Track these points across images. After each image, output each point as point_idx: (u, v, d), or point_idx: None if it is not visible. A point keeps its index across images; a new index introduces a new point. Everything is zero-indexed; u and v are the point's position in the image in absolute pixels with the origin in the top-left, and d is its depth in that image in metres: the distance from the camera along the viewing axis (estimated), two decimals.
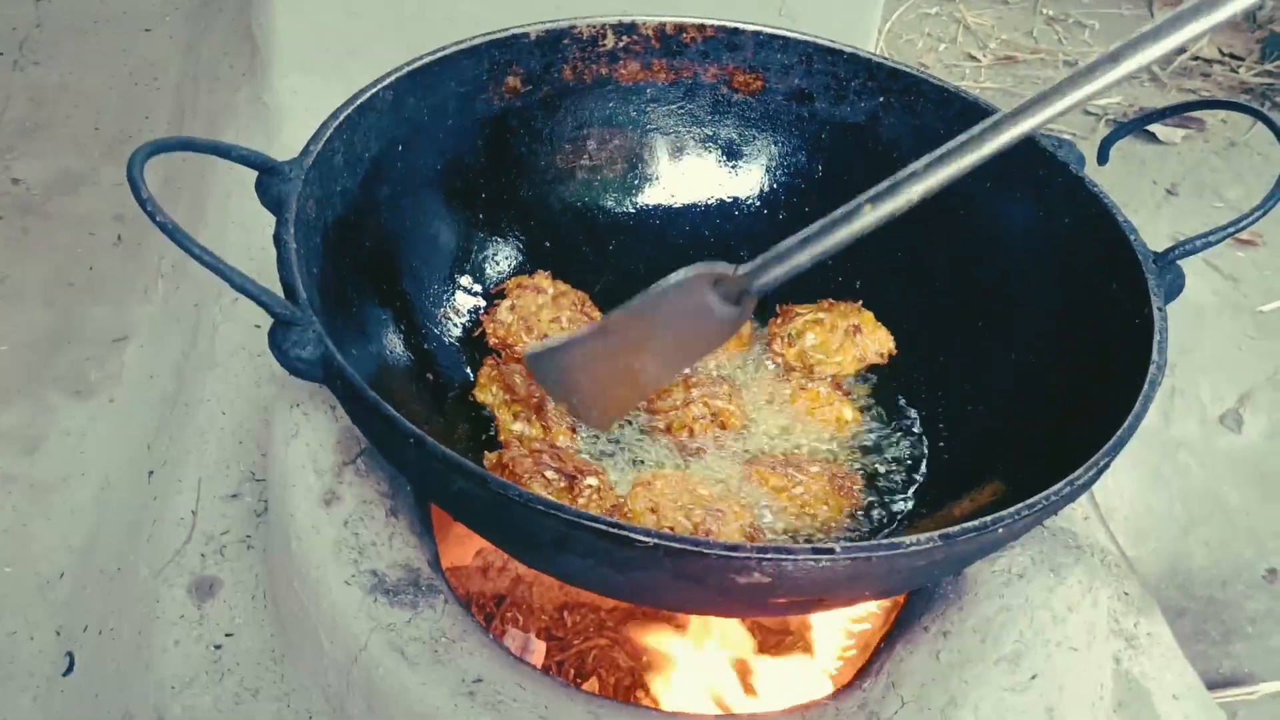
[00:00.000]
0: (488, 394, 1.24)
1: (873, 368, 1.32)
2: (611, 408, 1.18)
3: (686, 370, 1.25)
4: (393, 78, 1.20)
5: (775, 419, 1.25)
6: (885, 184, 1.00)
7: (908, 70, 1.36)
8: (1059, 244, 1.23)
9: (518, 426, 1.21)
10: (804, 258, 1.04)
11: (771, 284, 1.07)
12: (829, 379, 1.29)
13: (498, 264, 1.34)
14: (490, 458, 1.15)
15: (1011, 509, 0.90)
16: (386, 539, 1.06)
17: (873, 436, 1.26)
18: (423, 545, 1.08)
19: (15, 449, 1.59)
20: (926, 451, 1.24)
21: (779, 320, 1.34)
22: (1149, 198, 2.29)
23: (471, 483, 0.88)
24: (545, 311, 1.28)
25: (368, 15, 1.71)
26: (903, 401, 1.29)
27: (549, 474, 1.10)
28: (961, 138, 0.98)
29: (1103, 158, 1.30)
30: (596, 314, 1.31)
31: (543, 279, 1.31)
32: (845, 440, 1.24)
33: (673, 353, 1.15)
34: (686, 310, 1.10)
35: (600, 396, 1.16)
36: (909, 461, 1.23)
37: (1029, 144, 1.26)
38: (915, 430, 1.27)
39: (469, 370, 1.25)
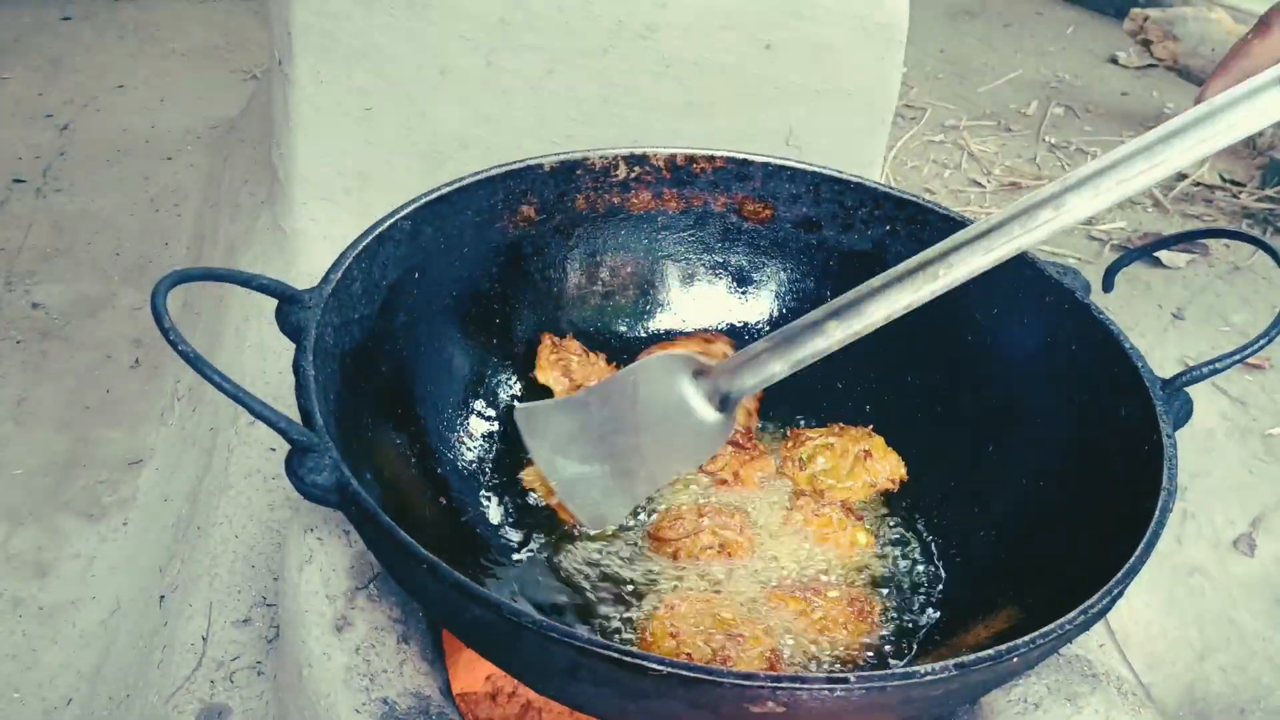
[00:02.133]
0: (549, 376, 1.31)
1: (884, 492, 1.32)
2: (604, 505, 1.21)
3: (683, 476, 1.27)
4: (411, 208, 1.23)
5: (789, 543, 1.25)
6: (848, 298, 1.10)
7: (913, 199, 1.38)
8: (1066, 369, 1.25)
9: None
10: (778, 366, 1.12)
11: (748, 389, 1.14)
12: (839, 504, 1.29)
13: (511, 388, 1.35)
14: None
15: (1026, 638, 0.90)
16: (398, 666, 1.05)
17: (886, 561, 1.25)
18: (434, 672, 1.07)
19: (26, 572, 1.59)
20: (944, 575, 1.24)
21: (789, 444, 1.35)
22: (1155, 321, 2.31)
23: (485, 610, 0.88)
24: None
25: (384, 144, 1.75)
26: (918, 525, 1.29)
27: None
28: (937, 250, 1.05)
29: (1108, 284, 1.32)
30: None
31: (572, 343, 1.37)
32: (860, 564, 1.24)
33: (658, 450, 1.18)
34: (666, 398, 1.15)
35: (590, 488, 1.19)
36: (924, 586, 1.23)
37: (1034, 270, 1.28)
38: (929, 555, 1.26)
39: (482, 495, 1.25)
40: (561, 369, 1.33)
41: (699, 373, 1.18)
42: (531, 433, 1.22)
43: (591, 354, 1.37)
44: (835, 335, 1.10)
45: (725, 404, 1.17)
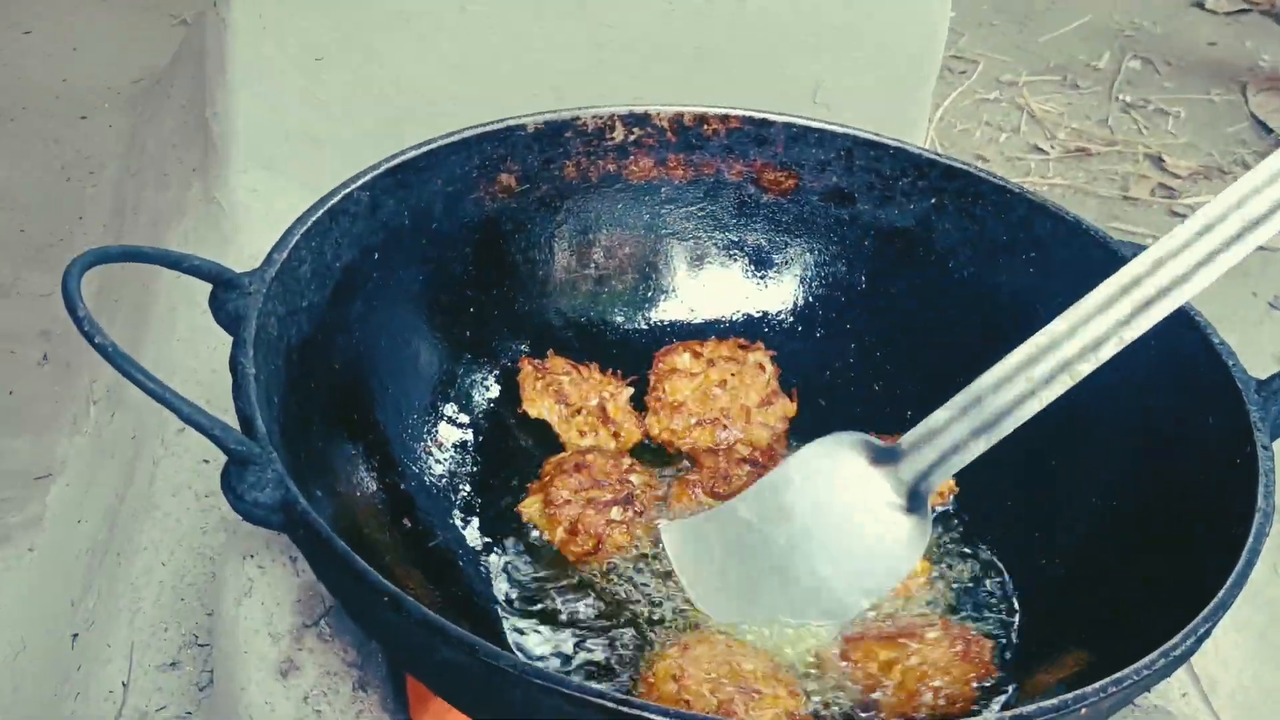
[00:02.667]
0: (540, 406, 1.31)
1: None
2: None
3: (865, 604, 1.19)
4: (369, 176, 1.23)
5: None
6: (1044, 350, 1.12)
7: (963, 167, 1.38)
8: (1143, 369, 1.24)
9: (586, 441, 1.30)
10: (977, 442, 1.13)
11: (940, 475, 1.15)
12: None
13: (487, 390, 1.35)
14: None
15: (1096, 685, 0.90)
16: (354, 718, 1.05)
17: (944, 592, 1.25)
18: None
19: None
20: (1000, 611, 1.24)
21: None
22: (1249, 313, 2.32)
23: (458, 651, 0.88)
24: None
25: (337, 101, 1.75)
26: (975, 548, 1.29)
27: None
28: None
29: None
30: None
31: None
32: (920, 599, 1.23)
33: (839, 575, 1.16)
34: (840, 503, 1.16)
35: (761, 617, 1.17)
36: (975, 627, 1.23)
37: (1104, 251, 1.28)
38: (983, 585, 1.26)
39: (453, 514, 1.26)
40: (553, 395, 1.34)
41: (874, 459, 1.17)
42: (682, 558, 1.21)
43: (583, 367, 1.37)
44: (1041, 389, 1.12)
45: (915, 500, 1.15)
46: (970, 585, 1.25)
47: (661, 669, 1.09)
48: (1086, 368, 1.11)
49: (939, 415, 1.15)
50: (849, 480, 1.17)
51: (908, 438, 1.16)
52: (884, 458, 1.17)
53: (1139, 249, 1.28)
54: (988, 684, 1.14)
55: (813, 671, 1.14)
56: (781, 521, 1.19)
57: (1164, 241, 1.11)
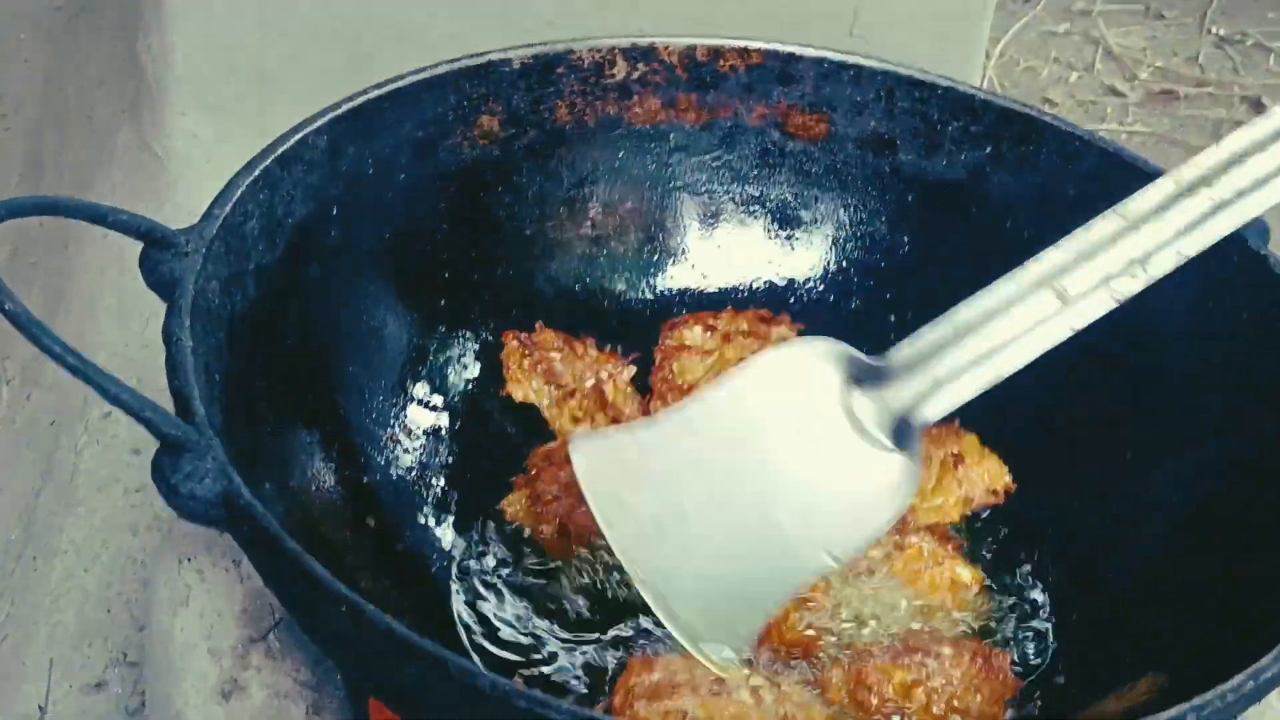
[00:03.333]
0: (527, 388, 1.32)
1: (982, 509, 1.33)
2: (724, 623, 1.09)
3: (832, 563, 1.12)
4: (327, 118, 1.23)
5: (867, 591, 1.25)
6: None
7: (1024, 110, 1.39)
8: (1236, 345, 1.25)
9: (581, 428, 1.31)
10: (985, 370, 1.08)
11: (939, 407, 1.09)
12: (922, 530, 1.30)
13: (465, 368, 1.36)
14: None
15: (1169, 712, 0.90)
16: None
17: (992, 608, 1.26)
18: None
19: None
20: (1061, 627, 1.24)
21: None
22: None
23: (428, 669, 0.88)
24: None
25: (291, 31, 1.75)
26: (1022, 556, 1.30)
27: None
28: None
29: None
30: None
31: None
32: (969, 612, 1.24)
33: (801, 522, 1.08)
34: (809, 427, 1.08)
35: (701, 592, 1.09)
36: (1033, 642, 1.23)
37: None
38: (1038, 601, 1.27)
39: (424, 511, 1.26)
40: (542, 375, 1.34)
41: (856, 379, 1.10)
42: (598, 494, 1.10)
43: (577, 343, 1.38)
44: (1073, 311, 1.06)
45: (903, 434, 1.09)
46: (1009, 600, 1.27)
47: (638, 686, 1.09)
48: (1132, 286, 1.08)
49: (937, 331, 1.10)
50: (821, 401, 1.09)
51: (897, 355, 1.11)
52: (868, 377, 1.10)
53: None
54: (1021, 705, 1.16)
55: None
56: (729, 449, 1.11)
57: (1244, 131, 1.08)
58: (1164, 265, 1.07)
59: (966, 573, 1.26)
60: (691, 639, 1.09)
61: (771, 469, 1.10)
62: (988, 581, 1.27)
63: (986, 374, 1.09)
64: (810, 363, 1.12)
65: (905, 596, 1.24)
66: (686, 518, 1.10)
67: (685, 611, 1.09)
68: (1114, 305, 1.08)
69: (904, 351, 1.11)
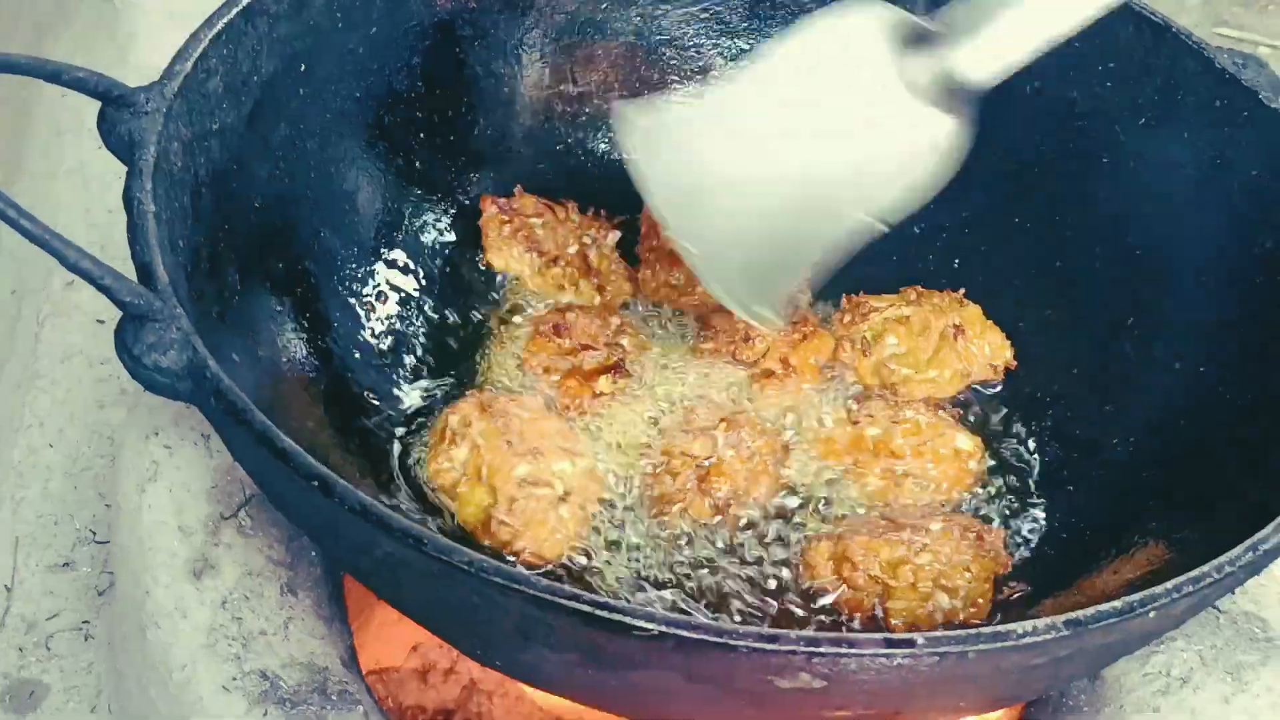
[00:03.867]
0: (507, 256, 1.33)
1: (980, 384, 1.34)
2: (763, 281, 1.16)
3: (876, 223, 1.17)
4: None
5: (863, 466, 1.26)
6: None
7: None
8: (1244, 206, 1.25)
9: (565, 297, 1.32)
10: (1040, 34, 1.07)
11: (997, 67, 1.08)
12: (919, 403, 1.30)
13: (441, 233, 1.36)
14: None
15: (1168, 584, 0.91)
16: (281, 626, 1.07)
17: (992, 481, 1.27)
18: (332, 635, 1.09)
19: None
20: (1061, 498, 1.25)
21: (847, 316, 1.36)
22: None
23: (403, 545, 0.89)
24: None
25: None
26: (1018, 431, 1.31)
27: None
28: None
29: None
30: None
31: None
32: (965, 488, 1.25)
33: (847, 176, 1.11)
34: (858, 82, 1.08)
35: (744, 251, 1.14)
36: (1023, 520, 1.25)
37: (1199, 60, 1.28)
38: (1040, 471, 1.28)
39: (399, 382, 1.27)
40: (523, 242, 1.34)
41: (911, 41, 1.09)
42: (647, 153, 1.15)
43: (558, 207, 1.37)
44: None
45: (954, 97, 1.09)
46: (1012, 472, 1.28)
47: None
48: None
49: None
50: (872, 61, 1.10)
51: (952, 15, 1.10)
52: (920, 40, 1.10)
53: (1240, 57, 1.28)
54: (1009, 582, 1.18)
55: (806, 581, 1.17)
56: (778, 112, 1.13)
57: None
58: None
59: (968, 442, 1.28)
60: (733, 297, 1.18)
61: (820, 128, 1.13)
62: (989, 459, 1.28)
63: (1038, 35, 1.09)
64: (862, 25, 1.11)
65: (902, 468, 1.25)
66: (733, 180, 1.14)
67: (727, 270, 1.17)
68: None
69: (958, 12, 1.10)
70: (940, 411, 1.29)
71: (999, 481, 1.28)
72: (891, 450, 1.25)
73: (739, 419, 1.24)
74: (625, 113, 1.17)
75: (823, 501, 1.23)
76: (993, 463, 1.29)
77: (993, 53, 1.09)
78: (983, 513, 1.25)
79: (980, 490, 1.27)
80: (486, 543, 1.14)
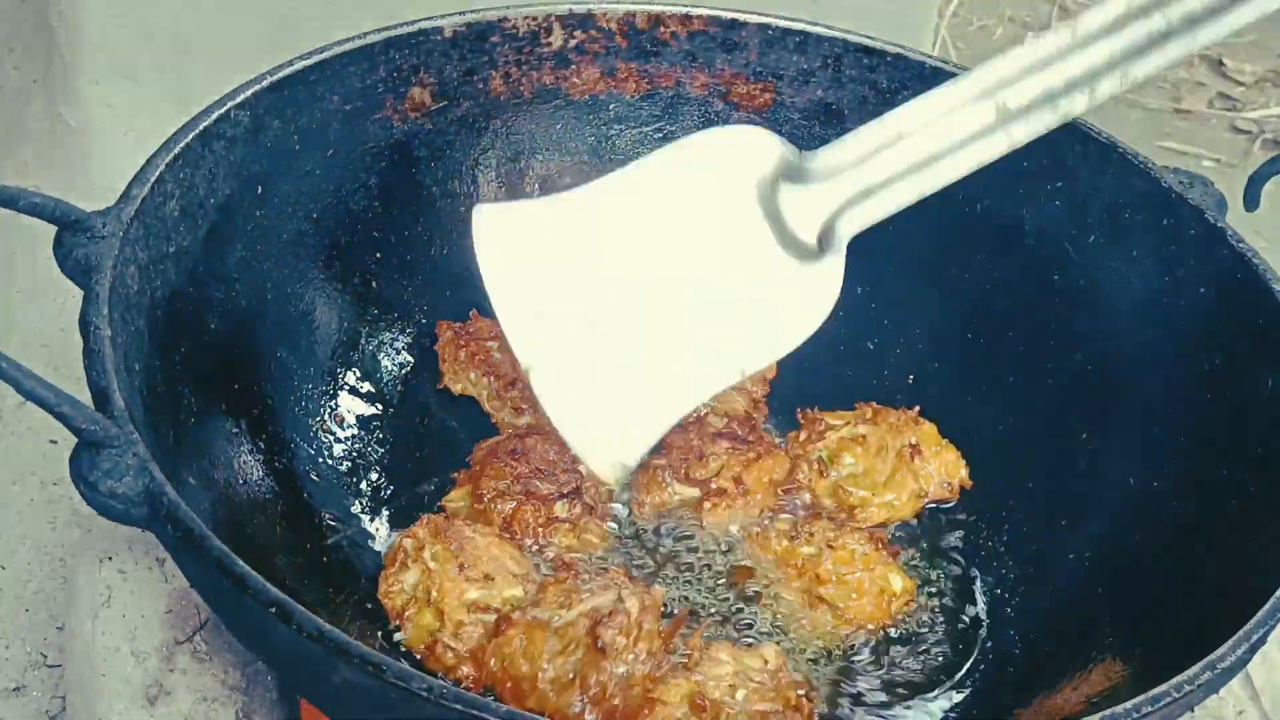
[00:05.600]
0: (464, 380, 1.33)
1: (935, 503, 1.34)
2: (619, 430, 1.10)
3: (737, 377, 1.14)
4: (251, 91, 1.23)
5: (779, 583, 1.25)
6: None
7: None
8: (1193, 322, 1.26)
9: (523, 420, 1.31)
10: (922, 180, 1.08)
11: (869, 214, 1.08)
12: (865, 533, 1.28)
13: (398, 354, 1.36)
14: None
15: (1128, 704, 0.91)
16: None
17: (928, 610, 1.27)
18: None
19: None
20: (1014, 618, 1.25)
21: (803, 435, 1.36)
22: None
23: (362, 672, 0.88)
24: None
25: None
26: (976, 550, 1.31)
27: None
28: None
29: (1252, 200, 1.33)
30: None
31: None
32: (878, 629, 1.24)
33: (713, 320, 1.07)
34: (731, 216, 1.06)
35: (598, 390, 1.09)
36: (984, 634, 1.25)
37: (1147, 180, 1.30)
38: (994, 592, 1.28)
39: (357, 505, 1.26)
40: (480, 365, 1.34)
41: (789, 176, 1.07)
42: (496, 268, 1.08)
43: None
44: (1014, 126, 1.05)
45: (826, 240, 1.07)
46: (959, 594, 1.28)
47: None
48: (1076, 107, 1.08)
49: (870, 134, 1.09)
50: (746, 192, 1.09)
51: (827, 154, 1.09)
52: (797, 175, 1.09)
53: (1187, 176, 1.30)
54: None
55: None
56: (643, 233, 1.10)
57: None
58: (1110, 88, 1.07)
59: (900, 583, 1.26)
60: (581, 443, 1.11)
61: (687, 264, 1.10)
62: (921, 585, 1.28)
63: (920, 184, 1.09)
64: (739, 148, 1.10)
65: (822, 592, 1.24)
66: (590, 308, 1.10)
67: (578, 411, 1.11)
68: (1056, 125, 1.08)
69: (837, 151, 1.10)
70: (881, 544, 1.28)
71: (949, 599, 1.27)
72: (817, 574, 1.24)
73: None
74: (480, 213, 1.13)
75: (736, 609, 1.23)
76: (949, 584, 1.28)
77: (869, 206, 1.09)
78: (937, 629, 1.25)
79: (936, 607, 1.26)
80: (432, 667, 1.12)
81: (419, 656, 1.13)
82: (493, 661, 1.08)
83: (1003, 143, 1.07)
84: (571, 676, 1.06)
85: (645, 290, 1.10)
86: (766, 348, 1.13)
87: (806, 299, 1.09)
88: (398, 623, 1.16)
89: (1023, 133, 1.07)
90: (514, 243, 1.12)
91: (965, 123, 1.08)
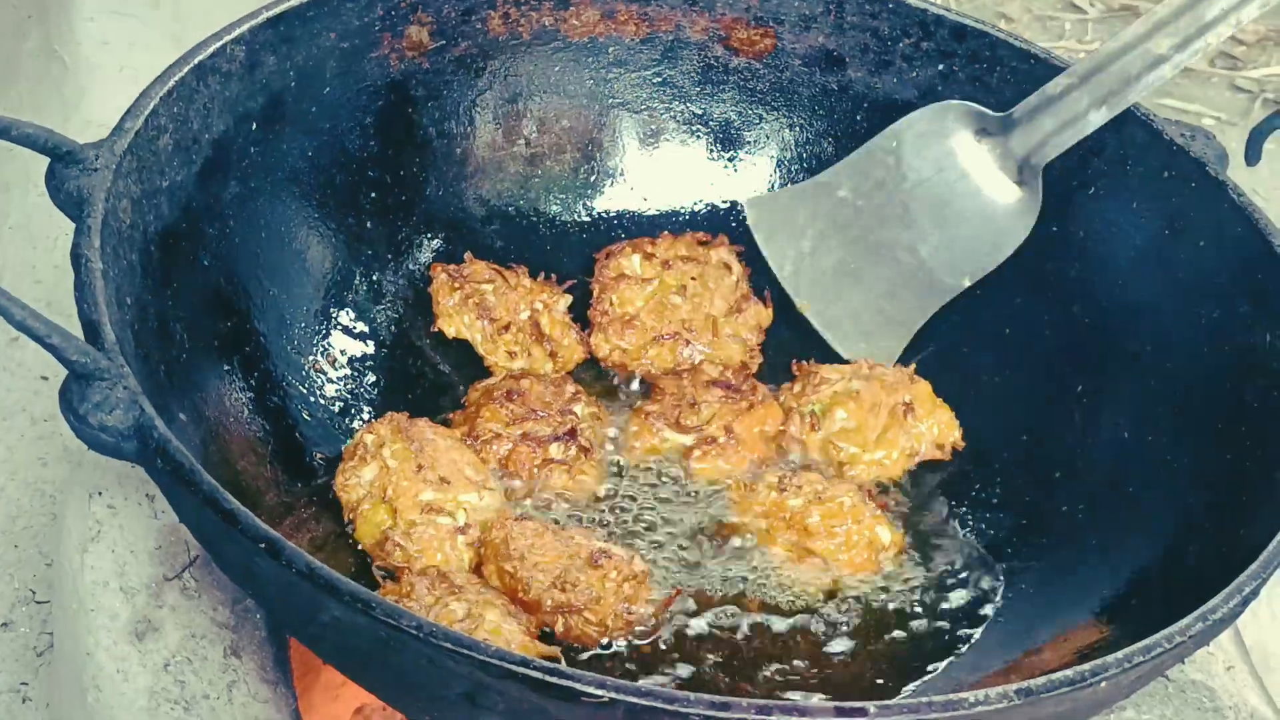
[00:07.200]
0: (458, 323, 1.33)
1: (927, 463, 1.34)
2: (875, 338, 1.37)
3: (966, 283, 1.38)
4: (246, 27, 1.22)
5: (765, 535, 1.25)
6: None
7: (978, 26, 1.38)
8: (1192, 275, 1.26)
9: (517, 364, 1.33)
10: (1096, 112, 1.27)
11: (1054, 145, 1.30)
12: (856, 487, 1.28)
13: (392, 295, 1.35)
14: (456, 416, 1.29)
15: (1119, 654, 0.91)
16: (225, 689, 1.06)
17: (918, 570, 1.26)
18: (277, 699, 1.08)
19: None
20: (1003, 575, 1.25)
21: (797, 387, 1.36)
22: None
23: (351, 609, 0.88)
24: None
25: None
26: (966, 507, 1.31)
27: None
28: None
29: (1254, 154, 1.33)
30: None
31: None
32: (875, 579, 1.24)
33: (938, 248, 1.36)
34: (940, 171, 1.33)
35: (856, 312, 1.38)
36: (971, 588, 1.25)
37: (1148, 132, 1.30)
38: (981, 551, 1.28)
39: (346, 443, 1.26)
40: (475, 309, 1.33)
41: (983, 131, 1.32)
42: (769, 236, 1.38)
43: (509, 272, 1.37)
44: (1172, 54, 1.24)
45: (1024, 173, 1.30)
46: (948, 553, 1.27)
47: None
48: (1225, 30, 1.23)
49: (1058, 82, 1.28)
50: (954, 151, 1.35)
51: (1022, 106, 1.30)
52: (994, 128, 1.32)
53: (1188, 129, 1.30)
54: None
55: None
56: (878, 195, 1.36)
57: None
58: (1250, 12, 1.22)
59: (888, 534, 1.26)
60: (852, 352, 1.38)
61: (913, 206, 1.37)
62: (910, 536, 1.27)
63: (1098, 117, 1.27)
64: (944, 121, 1.35)
65: (811, 545, 1.24)
66: (841, 255, 1.39)
67: (844, 329, 1.39)
68: (1209, 48, 1.26)
69: (1026, 104, 1.30)
70: (870, 496, 1.28)
71: (939, 552, 1.27)
72: (806, 526, 1.24)
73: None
74: (750, 202, 1.44)
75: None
76: (917, 551, 1.28)
77: (1061, 136, 1.30)
78: (926, 581, 1.25)
79: (898, 578, 1.26)
80: (379, 564, 1.15)
81: (367, 553, 1.17)
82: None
83: (1167, 69, 1.25)
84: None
85: (884, 232, 1.39)
86: (985, 260, 1.37)
87: (1013, 220, 1.34)
88: (351, 517, 1.18)
89: (1180, 60, 1.25)
90: (780, 218, 1.42)
91: (1135, 61, 1.26)
